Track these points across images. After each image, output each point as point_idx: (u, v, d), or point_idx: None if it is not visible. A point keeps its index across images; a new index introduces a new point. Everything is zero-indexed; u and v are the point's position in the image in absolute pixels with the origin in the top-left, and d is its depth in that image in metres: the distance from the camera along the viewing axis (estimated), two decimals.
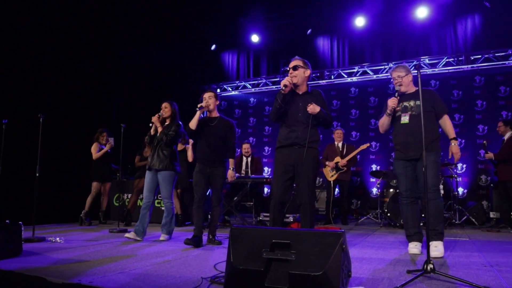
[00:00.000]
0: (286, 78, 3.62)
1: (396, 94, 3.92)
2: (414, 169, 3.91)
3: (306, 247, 2.08)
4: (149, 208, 4.94)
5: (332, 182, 7.16)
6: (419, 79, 3.17)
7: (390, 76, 4.23)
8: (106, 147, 6.99)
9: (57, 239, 4.60)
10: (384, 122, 4.06)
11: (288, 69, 3.73)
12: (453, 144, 3.82)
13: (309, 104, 3.59)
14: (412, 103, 3.90)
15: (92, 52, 7.80)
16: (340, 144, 7.38)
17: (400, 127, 3.95)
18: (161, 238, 4.90)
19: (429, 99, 3.85)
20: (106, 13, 7.81)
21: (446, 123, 3.92)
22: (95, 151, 6.98)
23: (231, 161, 4.80)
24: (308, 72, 3.77)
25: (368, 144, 7.12)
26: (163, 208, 7.08)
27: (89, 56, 7.72)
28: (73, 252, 3.90)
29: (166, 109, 5.06)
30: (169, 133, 4.92)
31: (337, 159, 7.17)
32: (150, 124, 5.04)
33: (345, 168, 7.12)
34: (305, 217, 3.66)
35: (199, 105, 4.57)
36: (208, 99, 4.64)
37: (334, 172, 7.14)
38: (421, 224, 4.22)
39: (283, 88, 3.54)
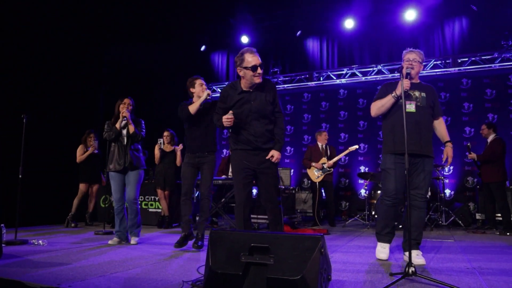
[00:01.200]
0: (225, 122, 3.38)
1: (409, 76, 3.43)
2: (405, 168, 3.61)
3: (284, 251, 2.06)
4: (124, 209, 4.76)
5: (317, 183, 7.17)
6: (402, 83, 3.18)
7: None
8: (90, 149, 6.91)
9: (40, 241, 4.53)
10: (385, 104, 3.62)
11: (255, 66, 3.38)
12: (450, 147, 3.70)
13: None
14: (417, 93, 3.60)
15: (79, 52, 7.72)
16: (324, 146, 7.39)
17: (401, 116, 3.36)
18: (132, 242, 4.68)
19: (433, 95, 3.68)
20: (94, 12, 7.72)
21: (442, 124, 3.80)
22: (79, 153, 6.91)
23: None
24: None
25: (356, 146, 7.14)
26: (151, 210, 7.15)
27: (75, 55, 7.63)
28: (56, 255, 3.84)
29: (130, 106, 4.81)
30: (142, 132, 4.80)
31: (323, 160, 7.18)
32: (124, 120, 4.69)
33: (331, 170, 7.14)
34: None
35: (206, 95, 4.36)
36: (204, 86, 4.47)
37: (320, 173, 7.14)
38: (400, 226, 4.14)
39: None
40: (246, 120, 3.44)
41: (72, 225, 6.66)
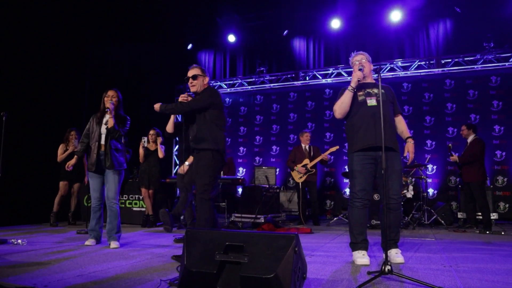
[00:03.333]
0: (182, 96, 3.72)
1: (361, 70, 3.59)
2: (373, 165, 3.56)
3: (258, 250, 2.08)
4: (101, 208, 4.59)
5: (300, 183, 7.21)
6: (380, 82, 3.21)
7: (349, 62, 3.93)
8: (69, 148, 6.82)
9: (19, 241, 4.47)
10: (344, 100, 3.63)
11: (187, 78, 3.80)
12: (411, 142, 3.70)
13: None
14: (376, 90, 3.62)
15: (63, 49, 7.61)
16: (307, 147, 7.43)
17: (363, 111, 3.58)
18: (112, 246, 4.34)
19: (391, 93, 3.77)
20: (79, 9, 7.65)
21: (402, 121, 3.83)
22: (60, 152, 6.79)
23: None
24: (206, 79, 3.88)
25: (337, 147, 7.18)
26: (135, 209, 7.10)
27: (59, 53, 7.52)
28: (34, 255, 3.80)
29: (114, 98, 4.52)
30: (123, 128, 4.53)
31: (306, 161, 7.22)
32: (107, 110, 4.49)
33: (313, 170, 7.18)
34: None
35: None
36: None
37: (302, 174, 7.19)
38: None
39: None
40: None
41: (53, 224, 6.59)
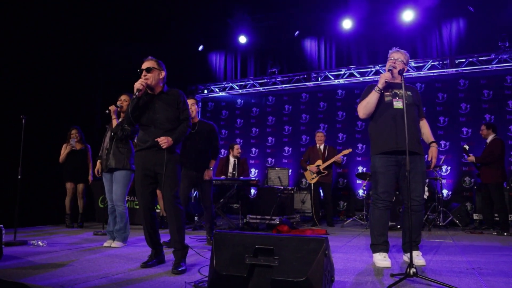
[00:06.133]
0: (140, 81, 3.38)
1: (390, 71, 3.56)
2: (396, 167, 3.53)
3: (289, 253, 2.08)
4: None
5: (313, 184, 7.19)
6: (403, 84, 3.20)
7: (388, 56, 3.80)
8: (67, 148, 6.72)
9: (39, 242, 4.51)
10: (370, 100, 3.56)
11: (140, 70, 3.49)
12: (434, 147, 3.68)
13: (161, 140, 3.29)
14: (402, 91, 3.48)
15: (77, 53, 7.69)
16: (321, 147, 7.39)
17: (389, 114, 3.52)
18: (114, 245, 4.47)
19: (417, 96, 3.72)
20: (90, 12, 7.70)
21: (426, 125, 3.79)
22: (62, 152, 6.72)
23: (212, 161, 4.99)
24: (162, 73, 3.56)
25: (350, 150, 7.15)
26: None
27: (73, 56, 7.60)
28: (56, 256, 3.84)
29: (126, 102, 4.60)
30: (125, 128, 4.47)
31: (319, 162, 7.19)
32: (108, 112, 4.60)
33: (325, 172, 7.14)
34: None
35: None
36: (191, 105, 4.71)
37: (315, 175, 7.16)
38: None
39: (136, 93, 3.34)
40: None
41: (69, 225, 6.64)
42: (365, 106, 3.61)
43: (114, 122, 4.59)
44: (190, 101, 4.77)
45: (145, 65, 3.50)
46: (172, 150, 3.40)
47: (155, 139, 3.30)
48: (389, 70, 3.57)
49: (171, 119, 3.43)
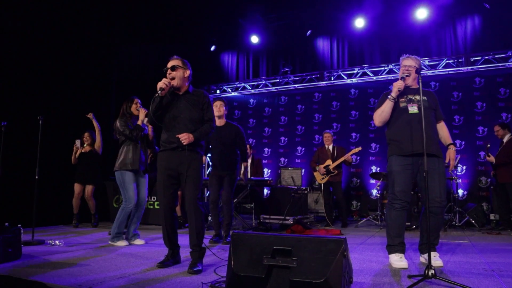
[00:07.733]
0: (163, 80, 3.37)
1: (403, 79, 3.60)
2: (413, 169, 3.53)
3: (307, 254, 2.07)
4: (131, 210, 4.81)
5: (323, 184, 7.17)
6: (420, 82, 3.17)
7: (399, 64, 3.78)
8: (78, 150, 6.81)
9: (57, 242, 4.57)
10: (384, 109, 3.61)
11: (166, 69, 3.49)
12: (452, 149, 3.64)
13: (181, 137, 3.28)
14: (418, 97, 3.56)
15: (92, 54, 7.78)
16: (330, 147, 7.36)
17: (405, 118, 3.55)
18: (139, 243, 4.81)
19: (434, 100, 3.72)
20: (105, 14, 7.78)
21: (444, 128, 3.77)
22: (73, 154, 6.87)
23: (244, 164, 5.25)
24: (187, 72, 3.54)
25: (359, 148, 7.10)
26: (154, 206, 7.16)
27: (88, 57, 7.69)
28: (73, 256, 3.88)
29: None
30: (134, 129, 4.75)
31: (328, 162, 7.16)
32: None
33: (335, 171, 7.10)
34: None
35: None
36: (220, 106, 4.96)
37: (324, 175, 7.13)
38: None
39: (159, 91, 3.32)
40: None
41: (74, 225, 6.72)
42: (380, 115, 3.68)
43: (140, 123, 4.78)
44: (218, 102, 4.94)
45: (170, 64, 3.52)
46: (196, 151, 3.41)
47: (176, 135, 3.30)
48: (401, 78, 3.60)
49: (194, 120, 3.44)
